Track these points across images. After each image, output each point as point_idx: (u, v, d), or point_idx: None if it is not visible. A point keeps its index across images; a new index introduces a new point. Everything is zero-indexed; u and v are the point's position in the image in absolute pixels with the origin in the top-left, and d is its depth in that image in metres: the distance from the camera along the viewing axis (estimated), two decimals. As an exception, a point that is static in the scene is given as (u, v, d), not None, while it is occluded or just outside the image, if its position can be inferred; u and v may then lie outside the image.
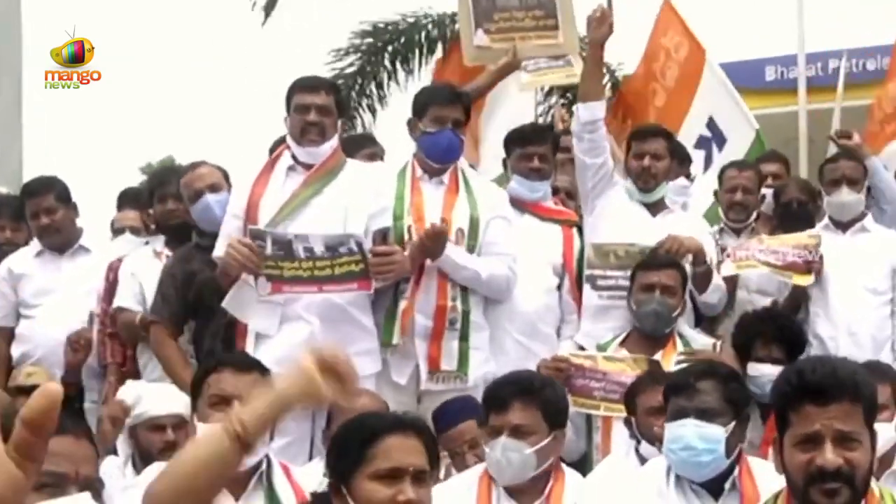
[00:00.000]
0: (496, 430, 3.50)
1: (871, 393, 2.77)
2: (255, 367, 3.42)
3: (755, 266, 5.07)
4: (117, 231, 6.27)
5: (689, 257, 4.86)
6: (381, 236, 4.45)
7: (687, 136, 6.78)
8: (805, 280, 5.07)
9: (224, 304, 4.43)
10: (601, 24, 5.04)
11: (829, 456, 2.63)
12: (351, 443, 2.73)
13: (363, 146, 5.31)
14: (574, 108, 5.27)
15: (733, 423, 3.40)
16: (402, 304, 4.59)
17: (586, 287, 4.95)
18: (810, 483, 2.66)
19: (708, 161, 6.76)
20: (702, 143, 6.91)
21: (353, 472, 2.68)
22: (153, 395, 4.23)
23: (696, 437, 3.37)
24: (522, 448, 3.47)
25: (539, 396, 3.54)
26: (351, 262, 4.36)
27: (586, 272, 4.95)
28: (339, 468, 2.72)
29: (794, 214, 5.67)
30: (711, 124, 6.91)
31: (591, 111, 5.06)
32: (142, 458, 4.07)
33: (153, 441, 4.04)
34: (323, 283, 4.38)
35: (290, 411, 2.46)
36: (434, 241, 4.52)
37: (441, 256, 4.58)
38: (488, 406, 3.59)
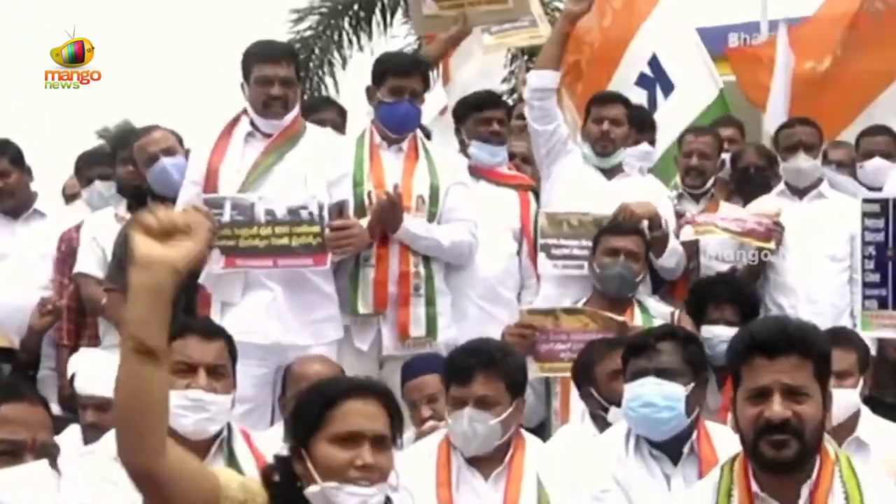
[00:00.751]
0: (460, 401, 3.50)
1: (823, 350, 2.80)
2: (221, 335, 3.40)
3: (714, 232, 5.08)
4: (69, 197, 6.20)
5: (645, 223, 4.89)
6: (338, 209, 4.42)
7: (627, 71, 6.72)
8: (765, 244, 5.07)
9: (201, 280, 4.39)
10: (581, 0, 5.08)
11: (777, 408, 2.69)
12: (311, 406, 2.71)
13: (321, 110, 5.26)
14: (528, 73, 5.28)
15: (693, 384, 3.42)
16: (371, 273, 4.59)
17: (541, 256, 4.96)
18: (759, 436, 2.71)
19: (652, 105, 6.64)
20: (644, 81, 6.79)
21: (312, 436, 2.66)
22: (83, 372, 4.20)
23: (657, 394, 3.39)
24: (487, 419, 3.47)
25: (502, 367, 3.55)
26: (310, 233, 4.35)
27: (540, 241, 4.95)
28: (299, 432, 2.70)
29: (752, 180, 5.66)
30: (654, 64, 6.80)
31: (542, 79, 5.10)
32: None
33: (81, 415, 4.07)
34: (278, 256, 4.35)
35: (159, 293, 2.31)
36: (391, 211, 4.51)
37: (399, 229, 4.58)
38: (451, 377, 3.58)
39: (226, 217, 4.31)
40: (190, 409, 3.24)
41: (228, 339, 3.41)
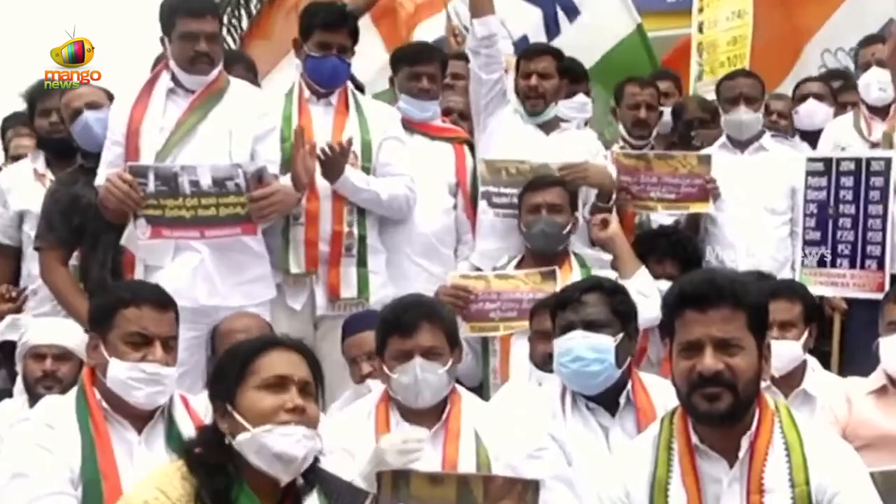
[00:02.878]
0: (405, 353, 3.46)
1: (755, 301, 2.80)
2: (173, 305, 3.32)
3: (653, 208, 5.06)
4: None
5: (593, 192, 4.84)
6: (256, 177, 4.30)
7: None
8: (703, 207, 5.06)
9: (122, 241, 4.32)
10: None
11: (708, 361, 2.69)
12: (232, 363, 2.71)
13: (231, 66, 5.06)
14: (469, 23, 5.20)
15: (622, 335, 3.38)
16: (301, 232, 4.52)
17: (482, 204, 4.90)
18: (692, 389, 2.72)
19: (550, 29, 6.56)
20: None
21: (236, 389, 2.66)
22: (36, 325, 4.20)
23: (585, 347, 3.35)
24: (437, 369, 3.46)
25: (442, 317, 3.56)
26: (237, 203, 4.25)
27: (481, 189, 4.90)
28: (222, 389, 2.70)
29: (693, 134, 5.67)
30: None
31: (486, 26, 5.01)
32: (27, 391, 4.05)
33: (32, 370, 4.02)
34: (205, 227, 4.27)
35: None
36: (335, 161, 4.44)
37: (339, 179, 4.49)
38: (391, 330, 3.52)
39: (150, 188, 4.21)
40: (144, 381, 3.18)
41: (176, 307, 3.33)
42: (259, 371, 2.66)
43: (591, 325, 3.37)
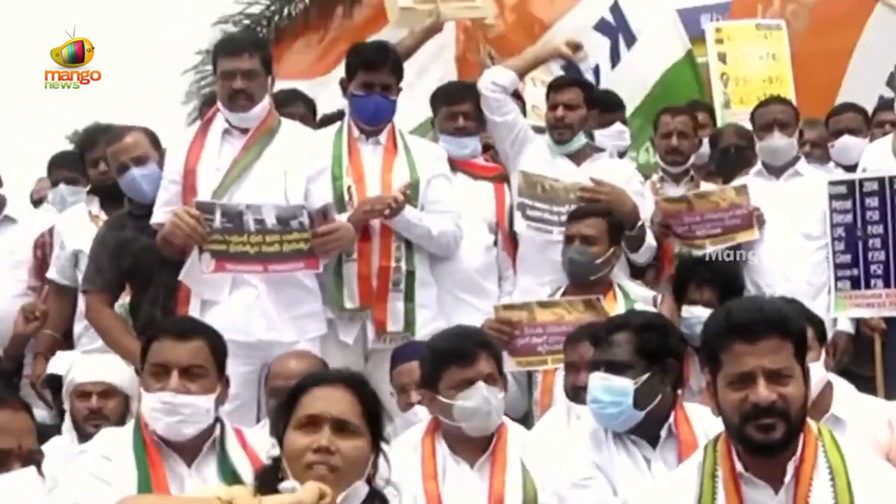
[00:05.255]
0: (467, 381, 3.51)
1: (800, 328, 2.82)
2: (197, 333, 3.36)
3: (701, 246, 5.11)
4: (36, 202, 6.17)
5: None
6: (322, 214, 4.40)
7: (584, 12, 6.71)
8: (749, 236, 5.10)
9: (181, 277, 4.37)
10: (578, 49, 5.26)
11: (763, 392, 2.70)
12: (281, 404, 2.74)
13: (289, 104, 5.22)
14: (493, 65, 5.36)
15: (647, 375, 3.39)
16: (354, 268, 4.60)
17: (517, 215, 4.95)
18: (746, 420, 2.72)
19: (615, 56, 6.66)
20: (605, 29, 6.77)
21: (284, 429, 2.69)
22: (81, 363, 4.23)
23: (601, 389, 3.40)
24: (497, 394, 3.54)
25: (494, 348, 3.66)
26: (300, 239, 4.32)
27: (517, 200, 4.96)
28: (277, 429, 2.74)
29: (732, 160, 5.69)
30: (616, 10, 6.78)
31: (506, 77, 5.17)
32: (76, 429, 4.08)
33: (79, 408, 4.05)
34: (269, 261, 4.33)
35: None
36: (398, 208, 4.55)
37: (398, 216, 4.60)
38: (448, 360, 3.56)
39: (216, 224, 4.28)
40: (161, 411, 3.24)
41: (211, 338, 3.37)
42: (297, 411, 2.69)
43: (612, 367, 3.40)
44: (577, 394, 3.89)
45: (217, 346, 3.38)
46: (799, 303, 4.34)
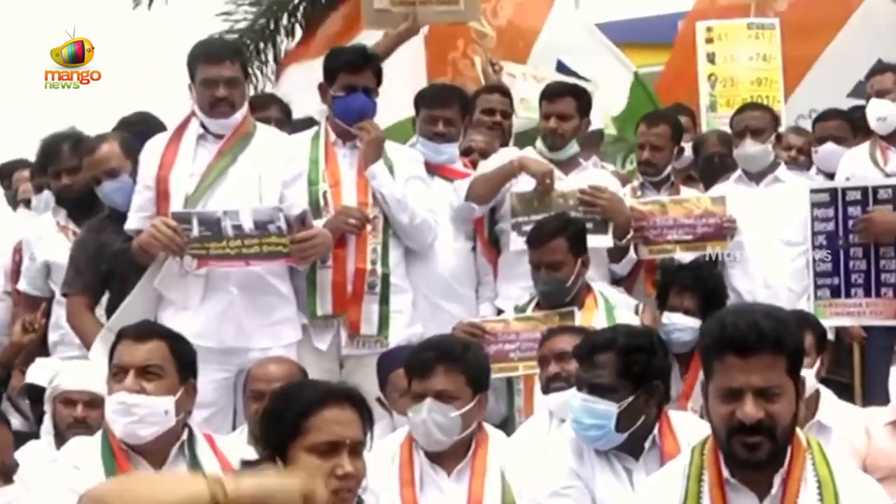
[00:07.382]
0: (419, 395, 3.49)
1: (796, 342, 2.76)
2: (155, 335, 3.33)
3: (671, 251, 5.08)
4: (27, 202, 6.09)
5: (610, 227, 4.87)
6: (300, 221, 4.36)
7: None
8: (721, 246, 5.08)
9: (155, 284, 4.36)
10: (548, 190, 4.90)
11: (749, 410, 2.65)
12: (287, 414, 2.68)
13: (264, 108, 5.18)
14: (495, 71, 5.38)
15: (631, 398, 3.32)
16: (328, 275, 4.56)
17: (512, 235, 4.86)
18: (731, 434, 2.69)
19: None
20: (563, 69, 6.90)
21: (288, 444, 2.64)
22: (68, 370, 4.19)
23: (583, 411, 3.34)
24: (447, 411, 3.47)
25: (461, 361, 3.54)
26: (278, 243, 4.30)
27: (511, 221, 4.89)
28: (274, 439, 2.69)
29: (716, 167, 5.68)
30: (562, 67, 6.88)
31: (467, 210, 4.92)
32: (57, 434, 4.02)
33: (63, 415, 4.00)
34: (250, 259, 4.32)
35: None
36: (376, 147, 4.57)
37: (386, 192, 4.58)
38: (410, 372, 3.57)
39: (194, 232, 4.26)
40: (118, 412, 3.22)
41: (171, 340, 3.34)
42: (312, 431, 2.63)
43: (595, 389, 3.33)
44: (548, 386, 3.91)
45: (179, 349, 3.34)
46: (800, 312, 4.34)
